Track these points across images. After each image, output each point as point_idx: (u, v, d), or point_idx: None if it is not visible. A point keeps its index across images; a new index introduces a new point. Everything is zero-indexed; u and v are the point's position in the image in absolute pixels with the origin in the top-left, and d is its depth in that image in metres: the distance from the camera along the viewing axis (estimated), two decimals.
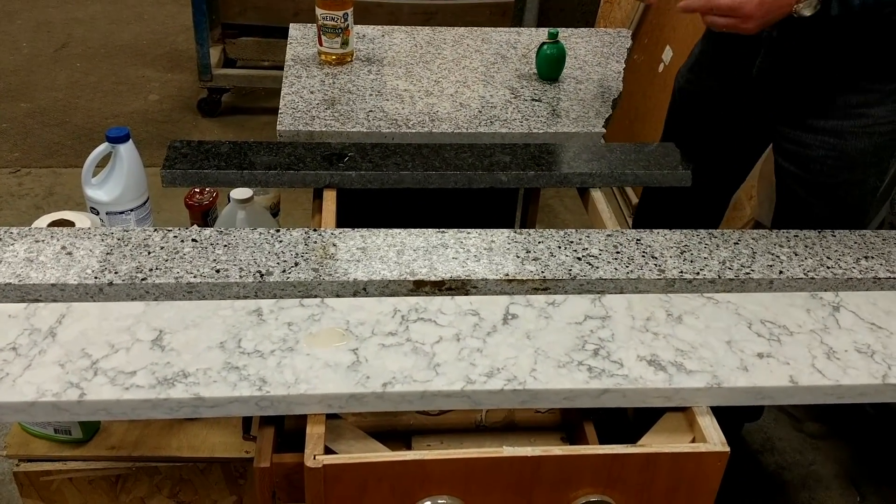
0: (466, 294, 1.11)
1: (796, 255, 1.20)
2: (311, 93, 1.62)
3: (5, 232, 1.13)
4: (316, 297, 1.08)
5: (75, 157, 3.20)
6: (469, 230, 1.20)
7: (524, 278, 1.11)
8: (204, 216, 1.63)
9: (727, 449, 0.92)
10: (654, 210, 1.71)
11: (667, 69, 2.69)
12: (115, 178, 1.41)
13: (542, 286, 1.12)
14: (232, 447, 1.30)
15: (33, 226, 1.35)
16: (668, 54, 2.71)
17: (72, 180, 3.03)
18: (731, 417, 1.70)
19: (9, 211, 2.85)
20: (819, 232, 1.26)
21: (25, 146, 3.28)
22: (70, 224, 1.35)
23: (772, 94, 1.41)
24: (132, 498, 1.32)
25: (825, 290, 1.15)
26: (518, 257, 1.15)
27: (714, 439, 0.93)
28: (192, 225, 1.60)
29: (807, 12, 1.20)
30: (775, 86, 1.40)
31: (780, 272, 1.16)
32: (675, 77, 1.60)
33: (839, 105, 1.35)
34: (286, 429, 1.04)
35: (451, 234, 1.19)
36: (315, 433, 0.91)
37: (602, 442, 1.04)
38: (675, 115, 1.61)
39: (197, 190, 1.61)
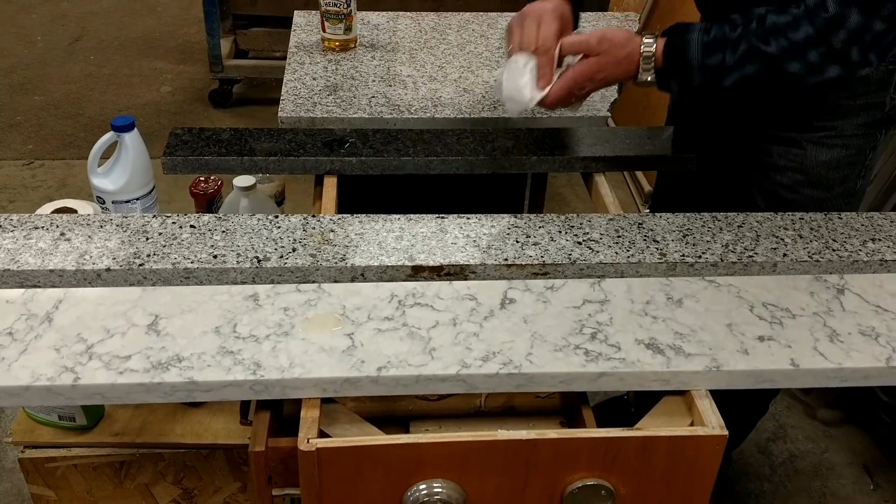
0: (465, 279, 1.10)
1: (801, 237, 1.18)
2: (314, 79, 1.61)
3: (5, 219, 1.13)
4: (313, 282, 1.08)
5: (88, 148, 3.17)
6: (469, 216, 1.19)
7: (523, 263, 1.10)
8: (209, 205, 1.63)
9: (725, 432, 0.90)
10: (668, 201, 1.67)
11: None
12: (121, 166, 1.42)
13: (542, 271, 1.11)
14: (235, 434, 1.30)
15: (36, 213, 1.36)
16: None
17: (84, 172, 3.01)
18: (740, 415, 1.68)
19: (22, 202, 2.87)
20: (825, 214, 1.23)
21: (39, 138, 3.30)
22: (72, 212, 1.36)
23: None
24: (136, 484, 1.33)
25: (830, 273, 1.13)
26: (518, 242, 1.14)
27: (712, 422, 0.91)
28: (196, 212, 1.60)
29: (643, 77, 1.18)
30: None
31: (784, 255, 1.14)
32: None
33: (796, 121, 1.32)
34: (285, 414, 1.04)
35: (451, 220, 1.18)
36: (309, 417, 0.90)
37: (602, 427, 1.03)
38: (674, 115, 1.59)
39: (202, 178, 1.62)
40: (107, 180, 1.43)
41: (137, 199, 1.44)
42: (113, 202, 1.43)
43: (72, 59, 3.96)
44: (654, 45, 1.15)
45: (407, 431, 1.07)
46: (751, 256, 1.13)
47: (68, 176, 3.06)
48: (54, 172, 3.08)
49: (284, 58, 1.72)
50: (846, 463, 2.02)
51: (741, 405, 1.32)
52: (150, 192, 1.46)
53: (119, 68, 3.89)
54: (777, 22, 1.10)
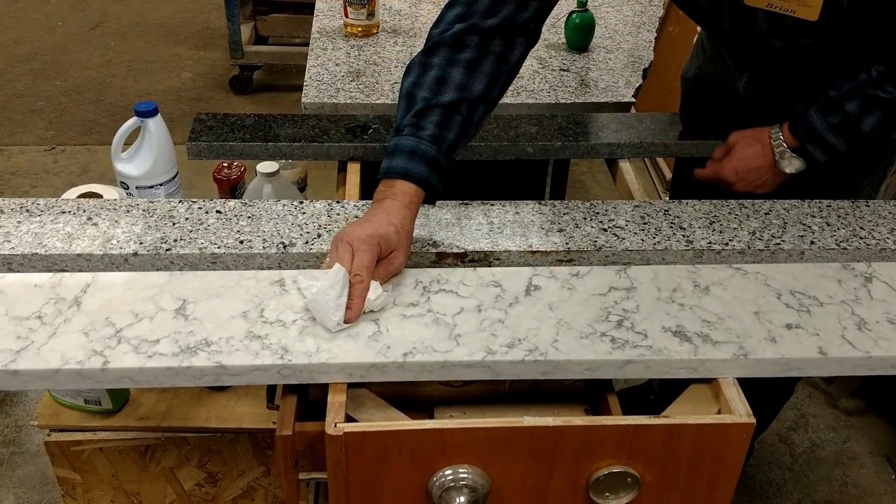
0: (489, 266, 1.10)
1: (828, 225, 1.17)
2: (337, 65, 1.61)
3: (32, 203, 1.14)
4: None
5: (109, 134, 3.20)
6: (493, 202, 1.19)
7: (548, 250, 1.10)
8: (232, 191, 1.64)
9: (753, 420, 0.90)
10: (687, 187, 1.66)
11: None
12: (145, 152, 1.42)
13: (567, 258, 1.11)
14: (260, 418, 1.31)
15: (63, 196, 1.37)
16: None
17: (106, 157, 3.05)
18: (767, 399, 1.67)
19: (44, 188, 2.89)
20: (853, 202, 1.22)
21: (60, 124, 3.32)
22: (98, 196, 1.36)
23: (763, 112, 1.37)
24: (161, 468, 1.34)
25: (858, 261, 1.12)
26: (542, 229, 1.14)
27: (740, 410, 0.91)
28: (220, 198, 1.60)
29: (789, 169, 1.25)
30: (765, 105, 1.36)
31: (812, 242, 1.13)
32: (681, 80, 1.55)
33: None
34: (310, 399, 1.04)
35: (475, 206, 1.18)
36: (336, 401, 0.91)
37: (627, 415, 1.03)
38: (687, 114, 1.57)
39: (225, 164, 1.62)
40: (130, 165, 1.43)
41: (161, 184, 1.45)
42: (137, 187, 1.44)
43: (92, 45, 3.97)
44: (782, 135, 1.25)
45: (431, 417, 1.07)
46: (778, 244, 1.12)
47: (90, 161, 3.08)
48: (76, 158, 3.10)
49: (305, 44, 1.72)
50: (868, 452, 2.01)
51: (767, 389, 1.31)
52: (174, 177, 1.46)
53: (139, 54, 3.90)
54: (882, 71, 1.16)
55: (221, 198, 1.62)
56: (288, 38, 3.67)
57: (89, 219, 1.12)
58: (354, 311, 0.96)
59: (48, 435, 1.32)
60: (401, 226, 1.01)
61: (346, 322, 0.95)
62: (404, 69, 1.13)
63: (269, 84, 3.71)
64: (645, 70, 1.63)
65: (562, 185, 1.92)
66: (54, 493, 1.80)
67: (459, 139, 1.09)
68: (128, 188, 1.44)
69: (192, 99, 3.55)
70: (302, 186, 1.71)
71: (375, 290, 0.98)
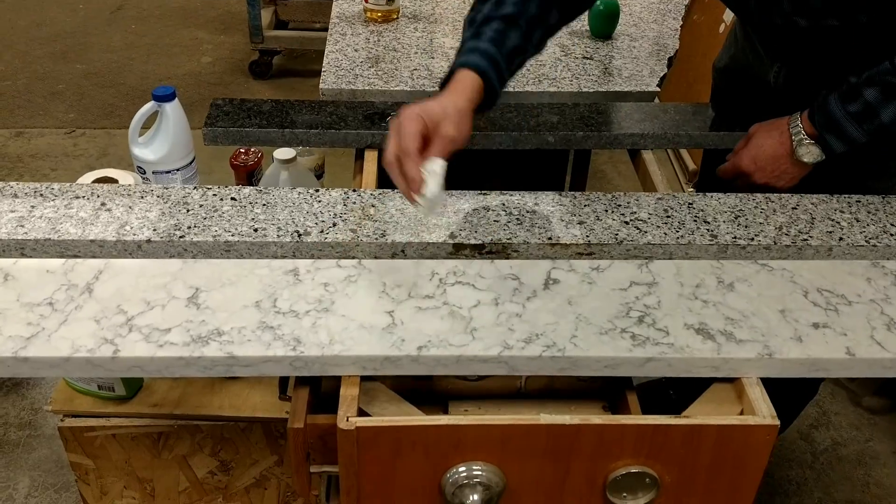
0: (507, 258, 1.08)
1: (858, 221, 1.14)
2: (356, 51, 1.58)
3: (46, 188, 1.13)
4: (353, 258, 1.06)
5: (129, 118, 3.19)
6: (512, 192, 1.17)
7: (568, 242, 1.08)
8: (249, 177, 1.62)
9: (777, 422, 0.87)
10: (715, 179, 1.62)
11: (727, 30, 2.59)
12: (162, 136, 1.41)
13: (587, 251, 1.08)
14: (273, 407, 1.29)
15: (77, 181, 1.36)
16: (729, 14, 2.61)
17: (125, 141, 3.03)
18: (790, 397, 1.64)
19: (63, 171, 2.90)
20: (883, 197, 1.19)
21: (80, 107, 3.33)
22: (113, 181, 1.35)
23: (793, 103, 1.34)
24: (174, 455, 1.33)
25: (888, 259, 1.09)
26: (562, 220, 1.12)
27: (763, 412, 0.88)
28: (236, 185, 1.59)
29: (807, 158, 1.20)
30: (795, 97, 1.32)
31: (840, 239, 1.10)
32: (712, 70, 1.51)
33: None
34: (323, 391, 1.03)
35: (493, 196, 1.16)
36: (349, 395, 0.89)
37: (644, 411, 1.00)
38: (717, 105, 1.53)
39: (242, 150, 1.60)
40: (147, 150, 1.42)
41: (178, 169, 1.43)
42: (153, 172, 1.42)
43: (113, 28, 3.97)
44: (800, 122, 1.20)
45: (446, 411, 1.05)
46: (805, 240, 1.09)
47: (109, 145, 3.07)
48: (95, 141, 3.10)
49: (325, 29, 1.70)
50: (891, 452, 1.97)
51: (791, 387, 1.28)
52: (191, 162, 1.45)
53: (159, 38, 3.90)
54: None
55: (238, 184, 1.61)
56: (308, 22, 3.65)
57: (103, 204, 1.11)
58: (416, 183, 0.96)
59: (62, 420, 1.31)
60: (450, 103, 1.02)
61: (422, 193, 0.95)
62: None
63: (289, 69, 3.70)
64: (670, 59, 1.59)
65: (582, 174, 1.90)
66: (69, 477, 1.81)
67: (518, 50, 1.12)
68: (144, 173, 1.43)
69: (212, 83, 3.54)
70: (319, 174, 1.70)
71: (435, 179, 0.96)
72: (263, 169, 1.62)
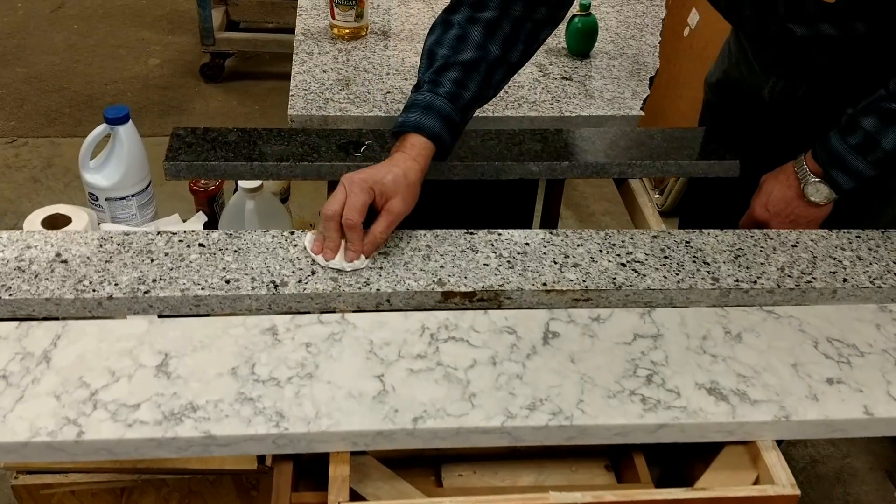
0: (500, 306, 1.01)
1: (860, 259, 1.10)
2: (324, 72, 1.50)
3: None
4: (335, 310, 0.98)
5: (74, 125, 3.08)
6: (500, 231, 1.10)
7: (563, 288, 1.01)
8: (210, 202, 1.53)
9: (797, 491, 0.83)
10: (701, 203, 1.57)
11: (693, 34, 2.55)
12: (115, 161, 1.31)
13: (584, 297, 1.02)
14: (243, 458, 1.21)
15: (27, 221, 1.26)
16: (694, 18, 2.57)
17: (71, 151, 2.91)
18: None
19: (6, 184, 2.74)
20: (882, 232, 1.15)
21: (22, 114, 3.16)
22: (66, 219, 1.25)
23: (788, 118, 1.30)
24: None
25: (894, 300, 1.05)
26: (556, 263, 1.05)
27: (782, 480, 0.83)
28: (196, 211, 1.50)
29: (815, 198, 1.16)
30: (790, 112, 1.28)
31: (844, 280, 1.05)
32: (704, 85, 1.47)
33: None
34: (306, 457, 0.95)
35: (480, 236, 1.09)
36: (339, 476, 0.82)
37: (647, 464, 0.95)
38: (709, 120, 1.48)
39: None
40: (100, 176, 1.32)
41: (133, 195, 1.34)
42: (107, 199, 1.33)
43: (54, 28, 3.79)
44: (805, 162, 1.17)
45: (437, 474, 0.98)
46: (809, 282, 1.04)
47: (54, 156, 2.92)
48: (39, 151, 2.94)
49: (279, 30, 1.61)
50: (868, 468, 1.96)
51: None
52: (147, 187, 1.36)
53: (104, 38, 3.73)
54: None
55: (198, 209, 1.51)
56: (261, 22, 3.52)
57: (58, 255, 1.01)
58: (354, 254, 1.00)
59: (15, 478, 1.21)
60: (402, 174, 1.02)
61: (347, 261, 1.00)
62: (428, 28, 1.17)
63: (242, 71, 3.56)
64: (651, 79, 1.54)
65: (555, 200, 1.82)
66: None
67: (476, 99, 1.13)
68: (97, 200, 1.33)
69: (161, 87, 3.39)
70: (285, 197, 1.61)
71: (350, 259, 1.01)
72: (224, 193, 1.53)
